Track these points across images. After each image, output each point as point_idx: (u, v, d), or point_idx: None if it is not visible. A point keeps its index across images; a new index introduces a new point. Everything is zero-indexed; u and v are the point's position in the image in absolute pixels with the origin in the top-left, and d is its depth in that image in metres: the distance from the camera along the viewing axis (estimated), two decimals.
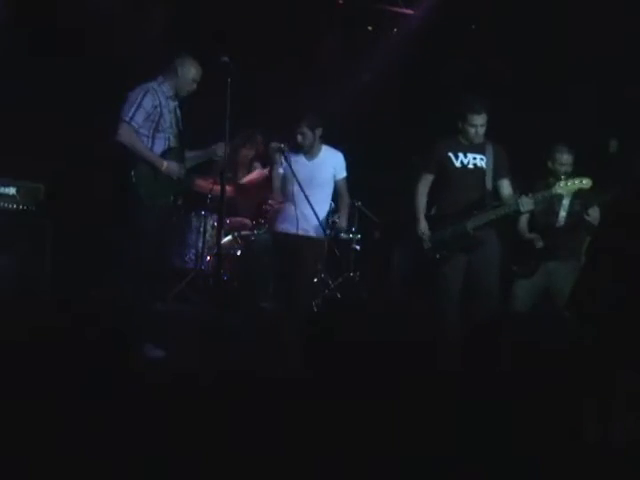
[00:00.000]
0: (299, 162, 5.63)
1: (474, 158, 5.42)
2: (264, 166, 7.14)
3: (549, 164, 5.77)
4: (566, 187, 5.33)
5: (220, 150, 5.11)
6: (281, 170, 5.64)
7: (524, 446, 2.91)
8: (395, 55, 7.61)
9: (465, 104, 5.40)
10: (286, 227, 5.57)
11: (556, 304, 5.73)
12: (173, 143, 5.00)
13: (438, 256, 5.39)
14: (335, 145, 6.33)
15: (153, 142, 4.91)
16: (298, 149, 5.65)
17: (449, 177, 5.43)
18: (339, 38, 7.78)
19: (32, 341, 3.83)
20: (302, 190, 5.45)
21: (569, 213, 5.68)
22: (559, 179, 5.60)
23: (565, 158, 5.74)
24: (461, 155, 5.42)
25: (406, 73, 7.57)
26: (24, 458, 2.52)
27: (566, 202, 5.69)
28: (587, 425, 3.04)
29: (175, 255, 6.56)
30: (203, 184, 6.68)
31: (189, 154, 5.18)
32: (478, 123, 5.33)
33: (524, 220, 5.74)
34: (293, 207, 5.54)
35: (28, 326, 4.14)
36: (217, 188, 5.78)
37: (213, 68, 4.81)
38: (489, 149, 5.42)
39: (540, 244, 5.68)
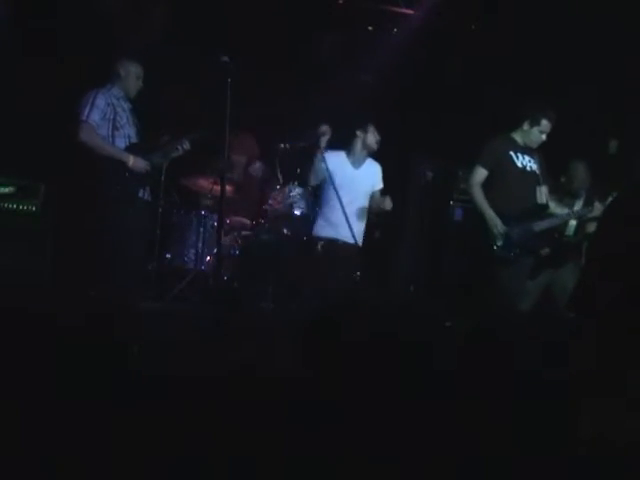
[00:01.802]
0: (344, 166, 5.60)
1: (529, 161, 5.39)
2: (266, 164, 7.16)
3: (563, 179, 5.80)
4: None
5: (183, 144, 5.18)
6: (323, 164, 5.58)
7: (523, 446, 2.91)
8: (395, 55, 7.61)
9: (544, 109, 5.36)
10: (328, 232, 5.55)
11: (558, 302, 5.73)
12: (135, 139, 5.07)
13: (512, 254, 5.23)
14: (335, 145, 6.33)
15: (113, 140, 4.99)
16: (351, 152, 5.63)
17: (509, 176, 5.33)
18: (339, 38, 7.78)
19: (31, 341, 3.82)
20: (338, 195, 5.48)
21: (579, 223, 5.67)
22: (572, 196, 5.65)
23: (582, 175, 5.77)
24: (520, 156, 5.38)
25: (406, 73, 7.57)
26: (21, 458, 2.52)
27: (577, 209, 5.69)
28: (586, 425, 3.04)
29: (175, 255, 6.56)
30: (203, 184, 6.68)
31: (155, 151, 5.22)
32: (547, 131, 5.32)
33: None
34: (334, 212, 5.52)
35: (27, 326, 4.13)
36: (217, 188, 5.79)
37: (213, 68, 4.82)
38: (536, 154, 5.41)
39: (547, 252, 5.66)
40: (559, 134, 6.40)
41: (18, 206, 5.77)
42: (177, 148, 5.26)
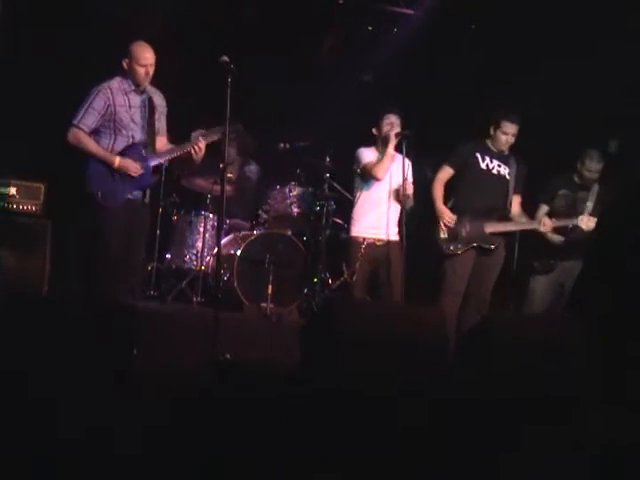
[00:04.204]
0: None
1: (499, 165, 5.55)
2: (258, 164, 7.15)
3: (578, 165, 5.85)
4: (588, 223, 5.41)
5: (195, 139, 5.15)
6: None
7: (522, 447, 2.91)
8: (395, 55, 7.61)
9: (501, 111, 5.51)
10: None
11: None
12: (138, 139, 5.03)
13: (452, 248, 5.37)
14: (335, 145, 6.34)
15: (115, 139, 4.99)
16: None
17: (472, 177, 5.52)
18: (339, 38, 7.78)
19: (31, 341, 3.82)
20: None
21: (591, 214, 5.68)
22: (584, 181, 5.69)
23: (594, 166, 5.79)
24: (487, 158, 5.53)
25: (406, 73, 7.57)
26: (20, 459, 2.53)
27: (590, 204, 5.72)
28: (586, 425, 3.04)
29: (175, 255, 6.56)
30: (203, 184, 6.67)
31: (165, 147, 5.20)
32: (510, 132, 5.48)
33: (543, 215, 5.74)
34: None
35: (27, 327, 4.13)
36: (217, 188, 5.78)
37: (213, 68, 4.81)
38: (512, 162, 5.57)
39: (559, 242, 5.71)
40: (559, 133, 6.41)
41: (18, 206, 5.77)
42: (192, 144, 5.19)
